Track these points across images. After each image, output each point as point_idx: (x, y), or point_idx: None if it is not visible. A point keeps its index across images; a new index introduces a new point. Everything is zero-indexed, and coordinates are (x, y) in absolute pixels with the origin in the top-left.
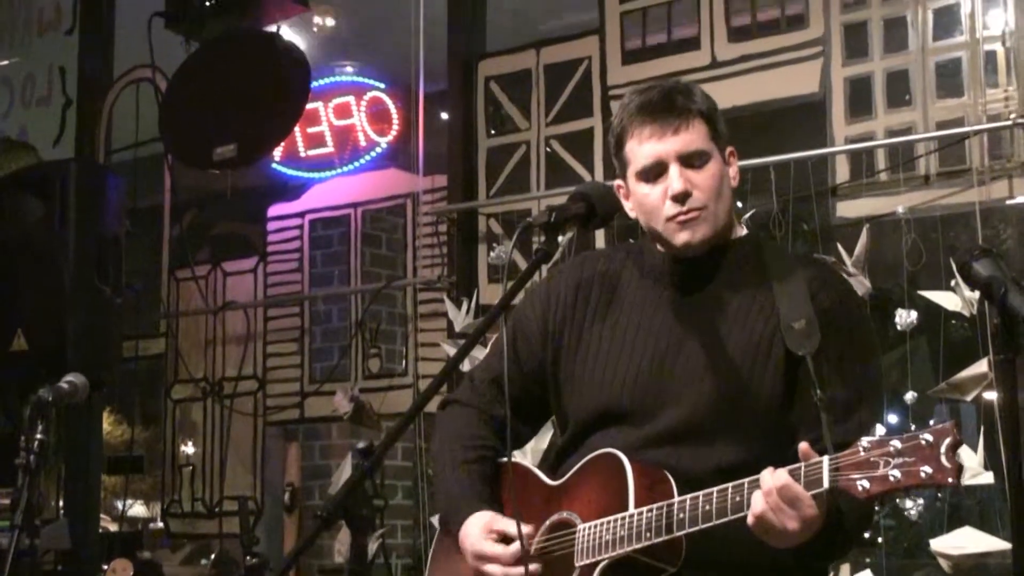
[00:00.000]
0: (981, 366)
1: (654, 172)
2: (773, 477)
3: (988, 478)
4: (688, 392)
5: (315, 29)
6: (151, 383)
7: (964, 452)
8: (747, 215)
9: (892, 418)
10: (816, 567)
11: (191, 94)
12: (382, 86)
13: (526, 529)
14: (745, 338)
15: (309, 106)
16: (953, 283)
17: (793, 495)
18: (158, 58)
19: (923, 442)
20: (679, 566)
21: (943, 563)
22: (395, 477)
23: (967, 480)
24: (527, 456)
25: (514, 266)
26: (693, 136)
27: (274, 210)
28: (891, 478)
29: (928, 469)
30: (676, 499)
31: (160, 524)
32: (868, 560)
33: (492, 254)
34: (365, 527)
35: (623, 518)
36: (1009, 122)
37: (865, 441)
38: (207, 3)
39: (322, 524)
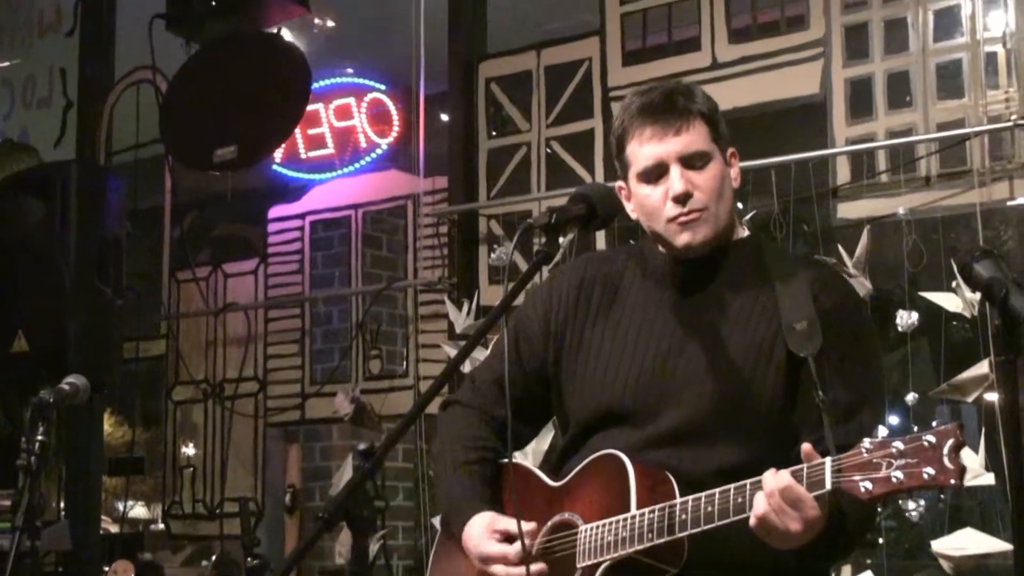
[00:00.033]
0: (982, 367)
1: (655, 173)
2: (775, 478)
3: (989, 479)
4: (689, 393)
5: (315, 30)
6: (152, 384)
7: (965, 453)
8: (748, 216)
9: (893, 419)
10: (818, 568)
11: (192, 96)
12: (383, 87)
13: (528, 527)
14: (747, 339)
15: (309, 107)
16: (954, 284)
17: (795, 496)
18: (159, 60)
19: (926, 443)
20: (681, 567)
21: (944, 564)
22: (396, 478)
23: (968, 481)
24: (528, 457)
25: (515, 267)
26: (694, 137)
27: (275, 211)
28: (894, 479)
29: (931, 470)
30: (678, 500)
31: (161, 525)
32: (869, 561)
33: (493, 255)
34: (366, 528)
35: (625, 519)
36: (1010, 123)
37: (867, 442)
38: (208, 4)
39: (323, 526)
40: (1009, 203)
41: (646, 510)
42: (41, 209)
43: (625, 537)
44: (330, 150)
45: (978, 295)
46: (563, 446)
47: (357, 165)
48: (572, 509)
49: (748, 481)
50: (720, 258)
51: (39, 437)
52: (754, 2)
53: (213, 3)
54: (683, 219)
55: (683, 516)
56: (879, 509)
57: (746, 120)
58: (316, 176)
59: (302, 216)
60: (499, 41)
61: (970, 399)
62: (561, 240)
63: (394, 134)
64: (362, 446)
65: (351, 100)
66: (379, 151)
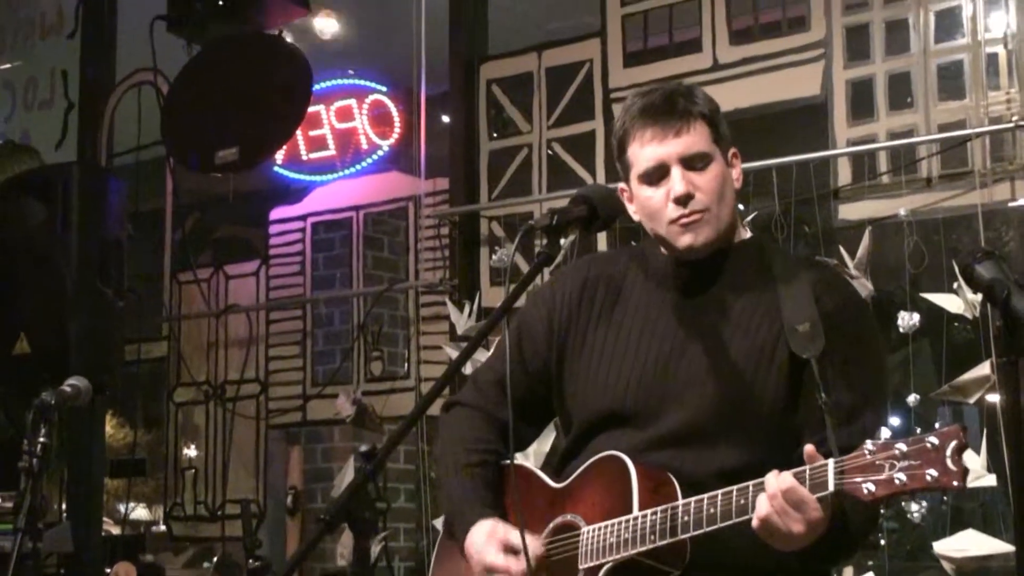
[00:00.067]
0: (984, 368)
1: (656, 175)
2: (778, 480)
3: (991, 481)
4: (691, 394)
5: (317, 32)
6: (153, 386)
7: (967, 455)
8: (749, 217)
9: (895, 420)
10: (820, 570)
11: (193, 97)
12: (384, 89)
13: (530, 539)
14: (749, 341)
15: (311, 109)
16: (955, 285)
17: (798, 498)
18: (160, 61)
19: (929, 445)
20: (683, 569)
21: (946, 566)
22: (398, 480)
23: (970, 483)
24: (530, 458)
25: (516, 269)
26: (695, 138)
27: (276, 213)
28: (896, 481)
29: (934, 472)
30: (680, 502)
31: (163, 527)
32: (871, 563)
33: (494, 257)
34: (368, 530)
35: (627, 521)
36: (1011, 124)
37: (870, 444)
38: (209, 6)
39: (325, 527)
40: (1010, 204)
41: (648, 512)
42: (42, 211)
43: (627, 539)
44: (331, 152)
45: (979, 296)
46: (565, 447)
47: (358, 167)
48: (574, 511)
49: (750, 483)
50: (722, 259)
51: (41, 439)
52: (755, 3)
53: (215, 4)
54: (685, 220)
55: (685, 518)
56: (881, 511)
57: (747, 121)
58: (317, 178)
59: (303, 218)
60: (500, 43)
61: (972, 400)
62: (562, 242)
63: (395, 136)
64: (364, 448)
65: (352, 102)
66: (380, 153)
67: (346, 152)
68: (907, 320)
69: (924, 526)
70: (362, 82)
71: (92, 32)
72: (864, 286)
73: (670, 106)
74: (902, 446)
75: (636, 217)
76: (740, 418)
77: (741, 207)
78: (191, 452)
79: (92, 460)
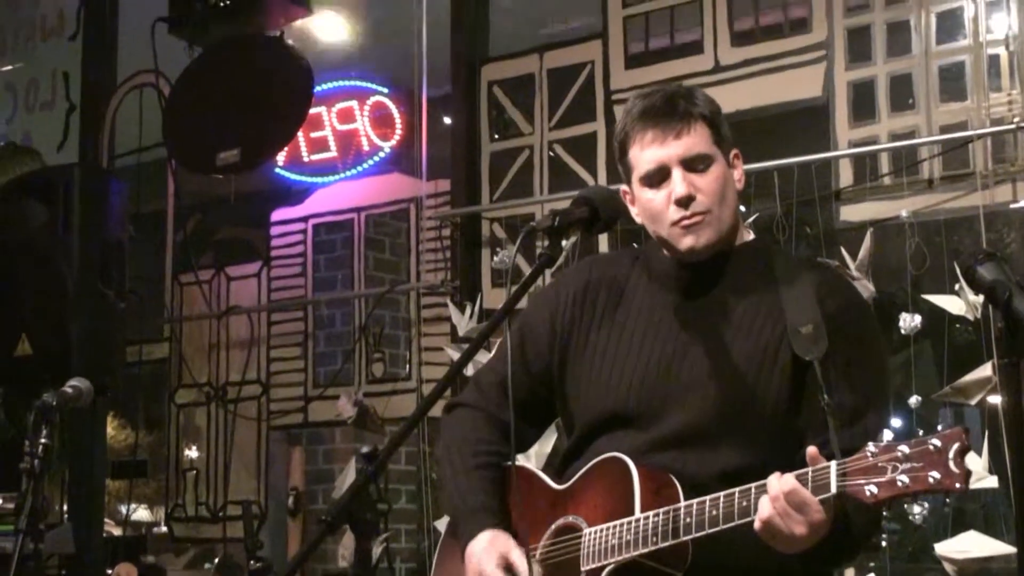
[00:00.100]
0: (985, 370)
1: (657, 177)
2: (780, 482)
3: (992, 482)
4: (694, 396)
5: (318, 34)
6: (155, 387)
7: (969, 456)
8: (750, 219)
9: (896, 422)
10: (822, 572)
11: (194, 99)
12: (385, 91)
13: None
14: (751, 343)
15: (312, 111)
16: (957, 287)
17: (800, 500)
18: (161, 63)
19: (931, 447)
20: (685, 570)
21: (948, 567)
22: (399, 481)
23: (971, 484)
24: (531, 460)
25: (517, 270)
26: (695, 140)
27: (277, 215)
28: (899, 483)
29: (936, 475)
30: (682, 504)
31: (164, 528)
32: (872, 564)
33: (495, 258)
34: (369, 531)
35: (629, 522)
36: (1013, 126)
37: (873, 446)
38: (210, 8)
39: (326, 528)
40: (1012, 206)
41: (650, 513)
42: (44, 212)
43: (629, 540)
44: (333, 153)
45: (981, 298)
46: (567, 449)
47: (360, 168)
48: (576, 512)
49: (753, 485)
50: (725, 261)
51: (42, 440)
52: (756, 5)
53: (217, 6)
54: (686, 222)
55: (687, 519)
56: (884, 513)
57: (748, 123)
58: (319, 179)
59: (305, 219)
60: (501, 44)
61: (973, 402)
62: (564, 243)
63: (397, 137)
64: (365, 449)
65: (354, 103)
66: (382, 154)
67: (347, 153)
68: (908, 321)
69: (926, 527)
70: (363, 84)
71: (93, 34)
72: (866, 287)
73: (670, 108)
74: (904, 448)
75: (638, 219)
76: (742, 420)
77: (743, 209)
78: (192, 453)
79: (93, 461)
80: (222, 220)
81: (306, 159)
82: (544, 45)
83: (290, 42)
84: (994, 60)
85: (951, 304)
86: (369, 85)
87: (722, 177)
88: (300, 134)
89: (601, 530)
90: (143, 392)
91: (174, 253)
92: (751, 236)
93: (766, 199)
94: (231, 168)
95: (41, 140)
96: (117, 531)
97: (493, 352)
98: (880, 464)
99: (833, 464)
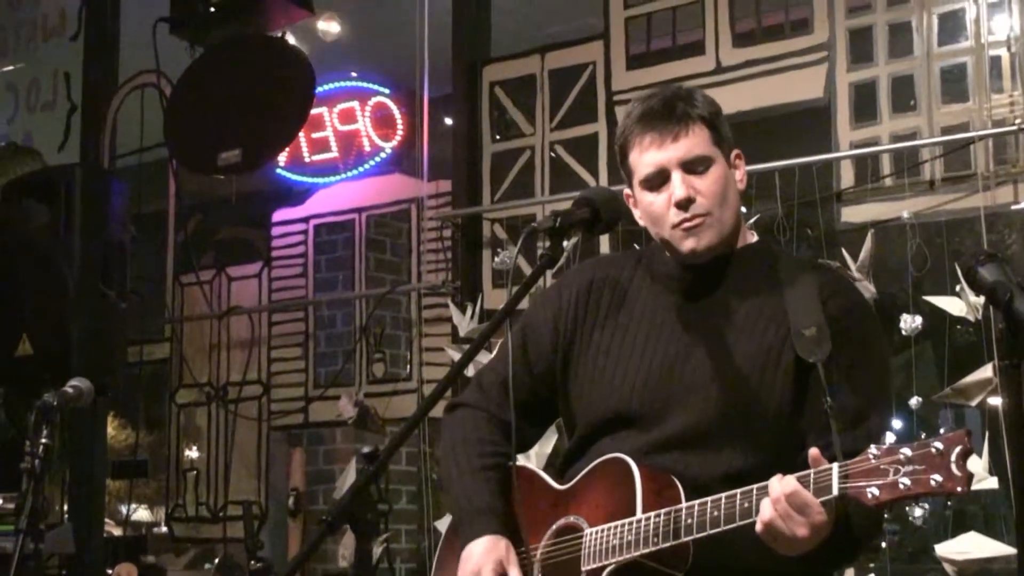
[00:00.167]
0: (986, 371)
1: (657, 180)
2: (782, 484)
3: (993, 483)
4: (696, 398)
5: (319, 34)
6: (155, 388)
7: (970, 459)
8: (752, 220)
9: (897, 423)
10: (823, 573)
11: (196, 99)
12: (386, 91)
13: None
14: (754, 345)
15: (313, 111)
16: (958, 288)
17: (802, 502)
18: (163, 63)
19: (933, 450)
20: (686, 571)
21: (948, 568)
22: (399, 482)
23: (972, 486)
24: (531, 460)
25: (518, 271)
26: (694, 142)
27: (279, 215)
28: (901, 486)
29: (938, 477)
30: (684, 504)
31: (164, 529)
32: (872, 565)
33: (496, 259)
34: (369, 532)
35: (630, 523)
36: (1014, 127)
37: (875, 449)
38: (212, 9)
39: (327, 529)
40: (1013, 207)
41: (652, 514)
42: (45, 213)
43: (630, 541)
44: (334, 154)
45: (982, 299)
46: (569, 449)
47: (361, 169)
48: (577, 512)
49: (755, 486)
50: (728, 263)
51: (43, 440)
52: (758, 6)
53: (217, 7)
54: (687, 225)
55: (689, 520)
56: (886, 515)
57: (750, 124)
58: (320, 180)
59: (306, 220)
60: (503, 45)
61: (974, 403)
62: (565, 244)
63: (398, 138)
64: (366, 449)
65: (355, 104)
66: (383, 155)
67: (348, 154)
68: (909, 323)
69: (926, 528)
70: (365, 84)
71: (95, 34)
72: (867, 288)
73: (669, 111)
74: (907, 451)
75: (642, 222)
76: (745, 421)
77: (744, 210)
78: (193, 453)
79: (94, 461)
80: (223, 220)
81: (307, 159)
82: (545, 46)
83: (292, 42)
84: (996, 61)
85: (952, 305)
86: (370, 86)
87: (722, 178)
88: (301, 135)
89: (602, 530)
90: (144, 392)
91: (175, 253)
92: (755, 238)
93: (767, 200)
94: (232, 168)
95: (42, 140)
96: (117, 531)
97: (494, 352)
98: (882, 466)
99: (835, 466)
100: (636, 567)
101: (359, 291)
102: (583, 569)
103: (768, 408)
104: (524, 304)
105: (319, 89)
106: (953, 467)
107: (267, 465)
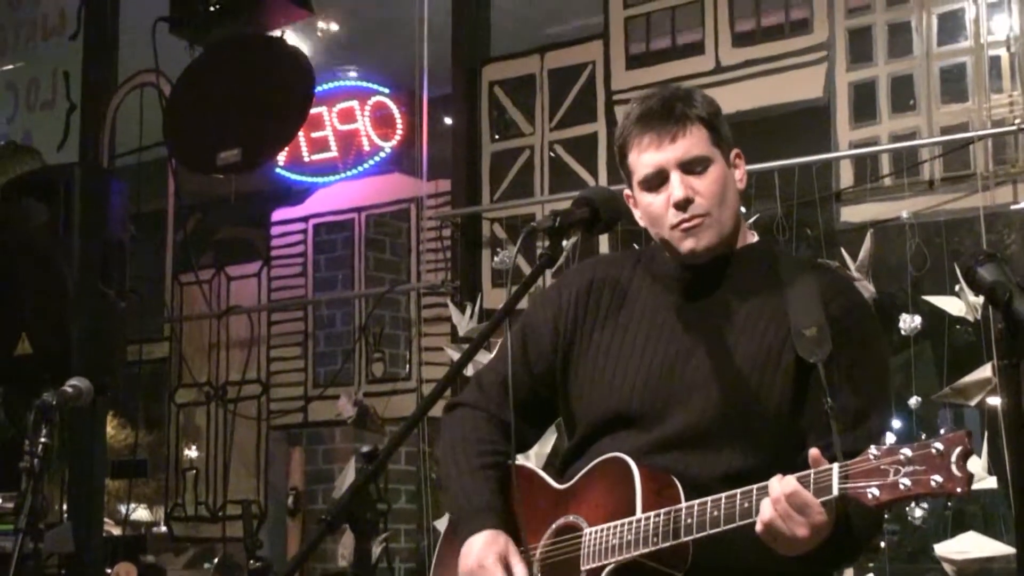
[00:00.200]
0: (985, 371)
1: (656, 181)
2: (782, 484)
3: (992, 483)
4: (697, 397)
5: (319, 34)
6: (155, 387)
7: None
8: (751, 220)
9: (896, 423)
10: (823, 574)
11: (195, 99)
12: (386, 91)
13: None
14: (755, 345)
15: (313, 111)
16: (957, 288)
17: (802, 502)
18: (162, 63)
19: (934, 451)
20: (686, 571)
21: (947, 568)
22: (399, 481)
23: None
24: (531, 459)
25: (518, 271)
26: (692, 142)
27: (278, 214)
28: (901, 486)
29: (938, 478)
30: (684, 504)
31: (164, 528)
32: (872, 564)
33: (496, 259)
34: (369, 531)
35: (630, 523)
36: (1013, 127)
37: (875, 449)
38: (211, 8)
39: (326, 528)
40: (1013, 207)
41: (651, 514)
42: (44, 212)
43: (630, 540)
44: (333, 153)
45: (981, 299)
46: (569, 448)
47: (360, 168)
48: (577, 512)
49: (755, 486)
50: (728, 263)
51: (42, 439)
52: (758, 6)
53: (217, 7)
54: (686, 225)
55: (688, 520)
56: (886, 515)
57: (749, 124)
58: (319, 179)
59: (305, 219)
60: (502, 45)
61: (973, 403)
62: (564, 243)
63: (397, 137)
64: (365, 449)
65: (354, 103)
66: (382, 154)
67: (348, 154)
68: (909, 322)
69: (925, 528)
70: (364, 84)
71: (94, 33)
72: (866, 288)
73: (667, 111)
74: (907, 451)
75: (642, 222)
76: (745, 421)
77: (743, 210)
78: (192, 453)
79: (93, 461)
80: (222, 220)
81: (307, 159)
82: (545, 45)
83: (291, 42)
84: (995, 61)
85: (951, 305)
86: (370, 85)
87: (721, 179)
88: (301, 134)
89: (602, 530)
90: (143, 392)
91: (174, 253)
92: (755, 238)
93: (767, 200)
94: (232, 168)
95: (41, 139)
96: (117, 531)
97: (494, 352)
98: (882, 467)
99: (835, 466)
100: (636, 567)
101: (358, 290)
102: (583, 568)
103: (768, 408)
104: (523, 304)
105: (318, 88)
106: (953, 468)
107: (266, 464)
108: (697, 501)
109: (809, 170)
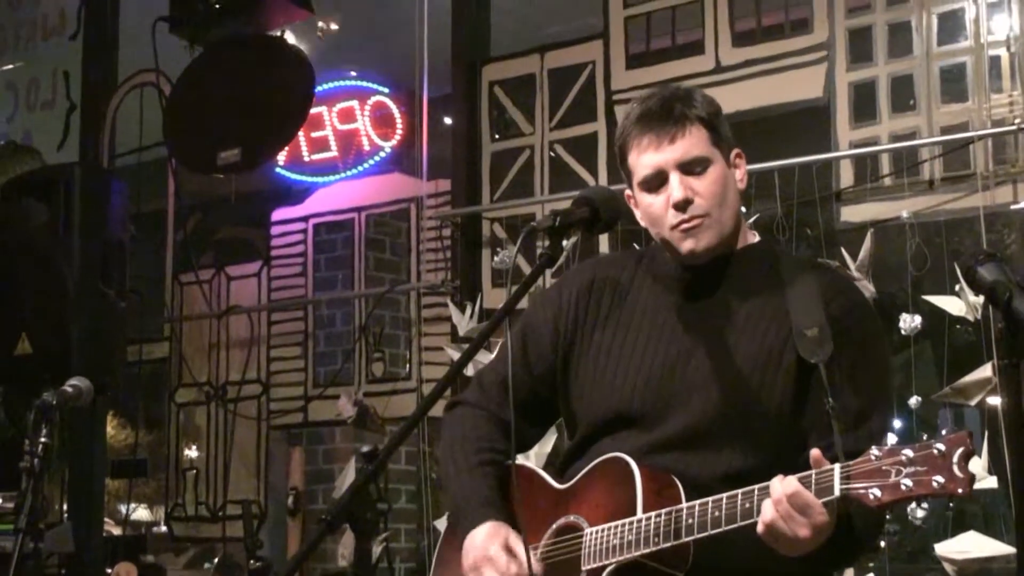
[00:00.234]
0: (985, 371)
1: (655, 182)
2: (783, 484)
3: (992, 483)
4: (698, 397)
5: (319, 33)
6: (155, 387)
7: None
8: (751, 219)
9: (896, 423)
10: (824, 574)
11: (195, 98)
12: (386, 90)
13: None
14: (756, 345)
15: (313, 110)
16: (957, 288)
17: (803, 502)
18: (162, 63)
19: (935, 451)
20: (687, 571)
21: (947, 567)
22: (399, 481)
23: None
24: (531, 459)
25: (518, 271)
26: (691, 143)
27: (278, 214)
28: (903, 487)
29: (940, 479)
30: (684, 505)
31: (164, 528)
32: (872, 564)
33: (496, 258)
34: (369, 531)
35: (631, 523)
36: (1013, 127)
37: (876, 450)
38: (211, 8)
39: (326, 528)
40: (1013, 207)
41: (652, 514)
42: (44, 212)
43: (631, 540)
44: (333, 153)
45: (981, 298)
46: (570, 448)
47: (360, 168)
48: (578, 512)
49: (756, 487)
50: (729, 263)
51: (42, 439)
52: (758, 6)
53: (217, 6)
54: (685, 226)
55: (689, 520)
56: (888, 515)
57: (749, 123)
58: (319, 179)
59: (305, 219)
60: (502, 44)
61: (973, 403)
62: (564, 243)
63: (397, 137)
64: (365, 449)
65: (354, 103)
66: (382, 154)
67: (348, 153)
68: (909, 322)
69: (925, 528)
70: (364, 83)
71: (94, 33)
72: (866, 288)
73: (666, 112)
74: (909, 452)
75: (643, 222)
76: (746, 422)
77: (744, 209)
78: (192, 453)
79: (93, 460)
80: (222, 220)
81: (307, 159)
82: (545, 45)
83: (291, 42)
84: (995, 61)
85: (951, 305)
86: (370, 85)
87: (721, 179)
88: (301, 134)
89: (602, 530)
90: (143, 391)
91: (174, 252)
92: (756, 238)
93: (767, 200)
94: (232, 168)
95: (41, 139)
96: (117, 530)
97: (494, 352)
98: (884, 467)
99: (837, 467)
100: (636, 567)
101: (358, 290)
102: (583, 568)
103: (769, 408)
104: (523, 304)
105: (318, 88)
106: (955, 468)
107: (266, 464)
108: (698, 501)
109: (809, 170)
